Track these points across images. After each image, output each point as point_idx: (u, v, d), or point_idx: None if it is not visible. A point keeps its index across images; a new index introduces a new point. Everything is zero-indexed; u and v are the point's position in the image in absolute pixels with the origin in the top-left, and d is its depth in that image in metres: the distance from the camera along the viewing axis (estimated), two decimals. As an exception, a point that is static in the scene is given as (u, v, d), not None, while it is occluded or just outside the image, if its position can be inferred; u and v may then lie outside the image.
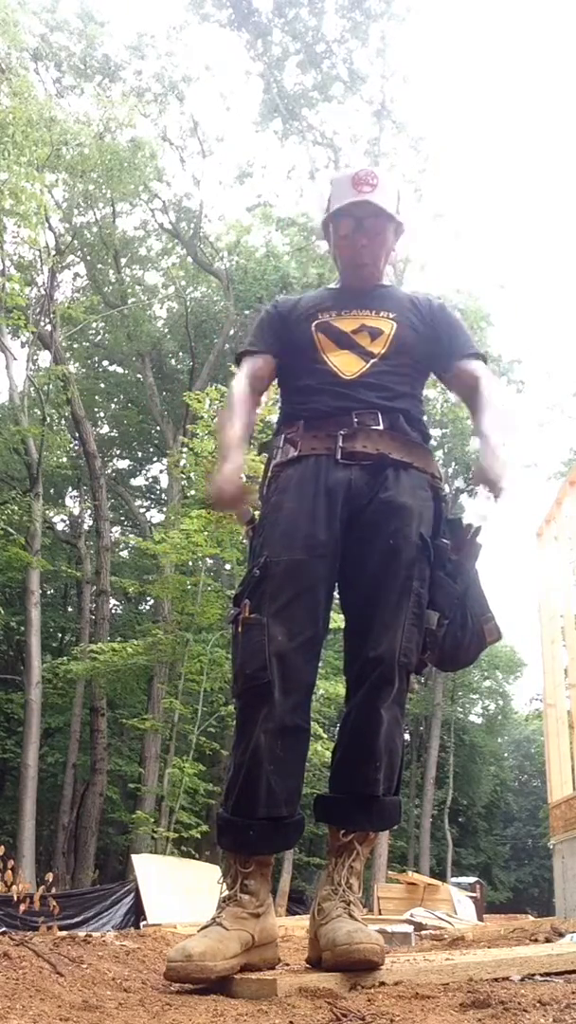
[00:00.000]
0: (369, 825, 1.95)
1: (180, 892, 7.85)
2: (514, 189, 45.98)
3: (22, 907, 5.41)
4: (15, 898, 5.50)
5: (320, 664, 2.04)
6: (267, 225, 21.12)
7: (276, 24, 20.66)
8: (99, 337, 22.65)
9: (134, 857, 9.31)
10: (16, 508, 16.51)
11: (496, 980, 1.71)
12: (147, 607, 23.28)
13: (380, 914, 9.87)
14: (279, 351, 2.22)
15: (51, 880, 6.10)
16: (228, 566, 15.47)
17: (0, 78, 14.52)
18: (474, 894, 15.75)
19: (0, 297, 13.76)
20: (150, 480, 27.07)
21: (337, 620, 2.27)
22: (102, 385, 23.93)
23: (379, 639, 1.91)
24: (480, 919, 12.15)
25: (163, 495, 23.47)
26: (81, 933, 2.80)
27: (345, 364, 2.10)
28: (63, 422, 21.50)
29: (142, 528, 23.20)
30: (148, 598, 22.51)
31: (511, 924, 6.73)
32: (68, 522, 24.16)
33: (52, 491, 22.88)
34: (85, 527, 22.71)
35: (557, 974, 1.81)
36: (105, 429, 24.88)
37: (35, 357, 18.61)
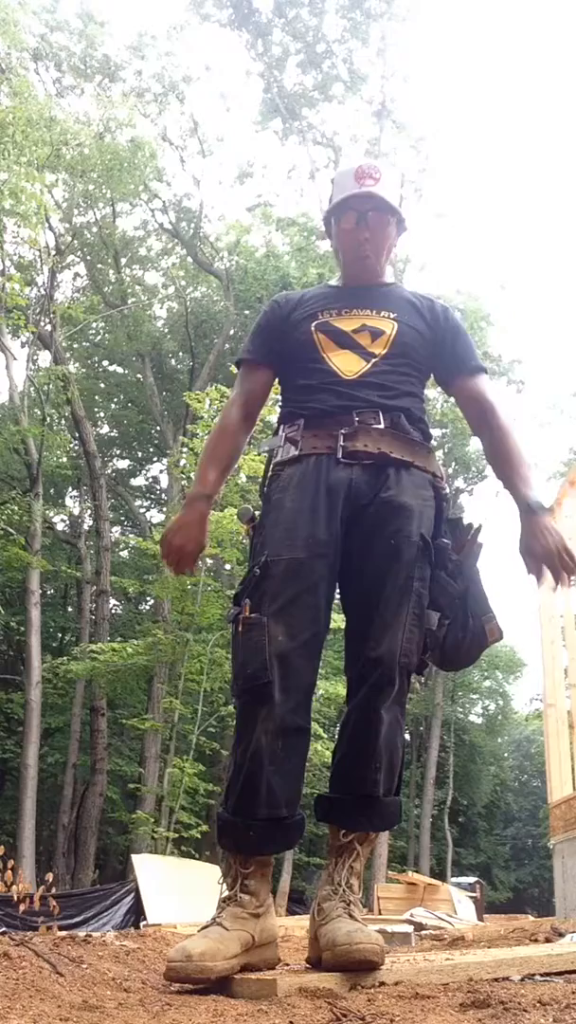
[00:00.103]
0: (369, 825, 1.95)
1: (180, 892, 7.85)
2: (514, 189, 45.99)
3: (22, 907, 5.40)
4: (15, 898, 5.49)
5: (320, 664, 2.03)
6: (267, 225, 21.14)
7: (276, 24, 20.68)
8: (99, 337, 22.65)
9: (134, 857, 9.32)
10: (16, 508, 16.50)
11: (496, 980, 1.70)
12: (147, 607, 23.28)
13: (380, 914, 9.87)
14: (277, 356, 2.21)
15: (51, 880, 6.09)
16: (228, 566, 15.47)
17: (0, 78, 14.52)
18: (474, 894, 15.77)
19: (0, 297, 13.75)
20: (150, 480, 27.12)
21: (337, 620, 2.26)
22: (102, 385, 23.93)
23: (380, 639, 1.91)
24: (480, 919, 12.16)
25: (163, 495, 23.47)
26: (81, 933, 2.79)
27: (346, 364, 2.09)
28: (63, 422, 21.51)
29: (142, 528, 23.20)
30: (148, 598, 22.52)
31: (511, 924, 6.73)
32: (68, 522, 24.17)
33: (52, 491, 22.89)
34: (85, 527, 22.72)
35: (557, 974, 1.81)
36: (105, 429, 24.89)
37: (35, 357, 18.63)
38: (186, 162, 21.58)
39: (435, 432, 20.03)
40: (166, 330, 23.45)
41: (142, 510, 25.95)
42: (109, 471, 23.45)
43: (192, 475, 15.03)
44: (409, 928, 5.85)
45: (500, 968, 1.80)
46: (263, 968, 1.86)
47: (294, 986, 1.60)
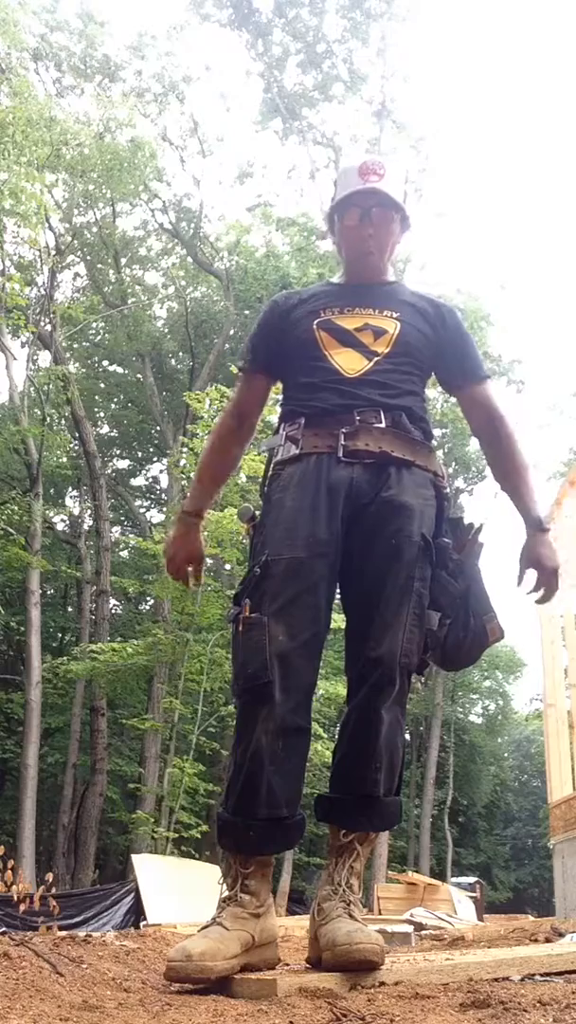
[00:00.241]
0: (369, 825, 1.94)
1: (180, 892, 7.86)
2: (514, 188, 46.00)
3: (22, 907, 5.40)
4: (15, 898, 5.49)
5: (320, 664, 2.03)
6: (267, 225, 21.13)
7: (276, 24, 20.69)
8: (99, 337, 22.65)
9: (134, 857, 9.33)
10: (16, 508, 16.50)
11: (496, 980, 1.70)
12: (147, 607, 23.29)
13: (380, 914, 9.88)
14: (277, 358, 2.21)
15: (51, 880, 6.09)
16: (228, 566, 15.47)
17: (0, 78, 14.52)
18: (474, 894, 15.78)
19: (0, 297, 13.76)
20: (150, 480, 27.12)
21: (338, 620, 2.26)
22: (102, 385, 23.93)
23: (380, 639, 1.90)
24: (480, 919, 12.16)
25: (163, 495, 23.48)
26: (81, 933, 2.79)
27: (348, 362, 2.08)
28: (63, 422, 21.51)
29: (142, 528, 23.21)
30: (148, 598, 22.53)
31: (511, 924, 6.73)
32: (68, 522, 24.17)
33: (52, 491, 22.90)
34: (85, 527, 22.72)
35: (557, 974, 1.81)
36: (105, 429, 24.89)
37: (35, 357, 18.63)
38: (186, 162, 21.61)
39: (435, 432, 20.00)
40: (166, 330, 23.45)
41: (142, 510, 25.96)
42: (109, 471, 23.46)
43: (192, 475, 15.07)
44: (409, 928, 5.85)
45: (500, 968, 1.80)
46: (263, 968, 1.85)
47: (294, 986, 1.59)
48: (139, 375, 22.54)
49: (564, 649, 8.19)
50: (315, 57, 20.61)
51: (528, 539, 2.13)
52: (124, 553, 23.28)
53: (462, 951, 2.78)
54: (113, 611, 23.30)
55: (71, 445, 21.64)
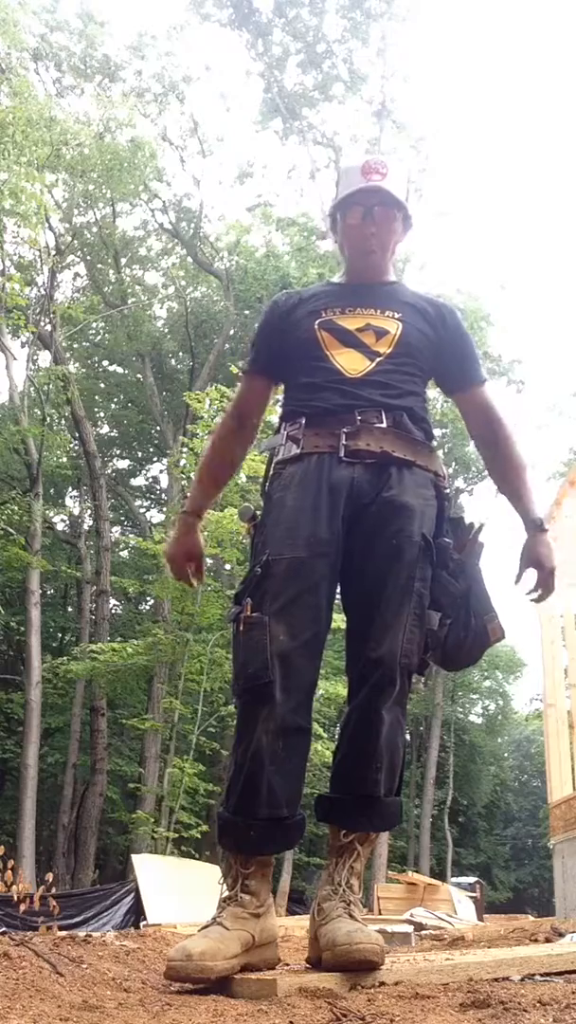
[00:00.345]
0: (370, 825, 1.94)
1: (180, 892, 7.86)
2: (514, 188, 46.01)
3: (22, 907, 5.40)
4: (15, 898, 5.49)
5: (320, 664, 2.03)
6: (267, 225, 21.13)
7: (277, 24, 20.69)
8: (99, 337, 22.65)
9: (134, 857, 9.33)
10: (16, 508, 16.51)
11: (496, 980, 1.70)
12: (147, 607, 23.29)
13: (380, 914, 9.88)
14: (277, 358, 2.21)
15: (51, 880, 6.09)
16: (228, 566, 15.47)
17: (0, 78, 14.52)
18: (474, 894, 15.78)
19: (0, 297, 13.76)
20: (150, 480, 27.13)
21: (338, 620, 2.26)
22: (102, 385, 23.93)
23: (380, 640, 1.90)
24: (480, 919, 12.16)
25: (163, 495, 23.48)
26: (81, 933, 2.79)
27: (350, 362, 2.08)
28: (63, 422, 21.51)
29: (142, 528, 23.21)
30: (148, 598, 22.53)
31: (511, 924, 6.73)
32: (68, 522, 24.18)
33: (52, 491, 22.90)
34: (85, 527, 22.73)
35: (557, 974, 1.81)
36: (105, 429, 24.89)
37: (35, 357, 18.63)
38: (186, 162, 21.62)
39: (435, 432, 19.98)
40: (166, 330, 23.45)
41: (142, 510, 25.96)
42: (109, 471, 23.46)
43: (192, 475, 15.08)
44: (409, 928, 5.85)
45: (500, 968, 1.80)
46: (263, 968, 1.85)
47: (294, 986, 1.59)
48: (139, 375, 22.54)
49: (564, 649, 8.19)
50: (315, 57, 20.61)
51: (528, 539, 2.16)
52: (124, 553, 23.28)
53: (462, 951, 2.78)
54: (113, 611, 23.30)
55: (71, 445, 21.65)
